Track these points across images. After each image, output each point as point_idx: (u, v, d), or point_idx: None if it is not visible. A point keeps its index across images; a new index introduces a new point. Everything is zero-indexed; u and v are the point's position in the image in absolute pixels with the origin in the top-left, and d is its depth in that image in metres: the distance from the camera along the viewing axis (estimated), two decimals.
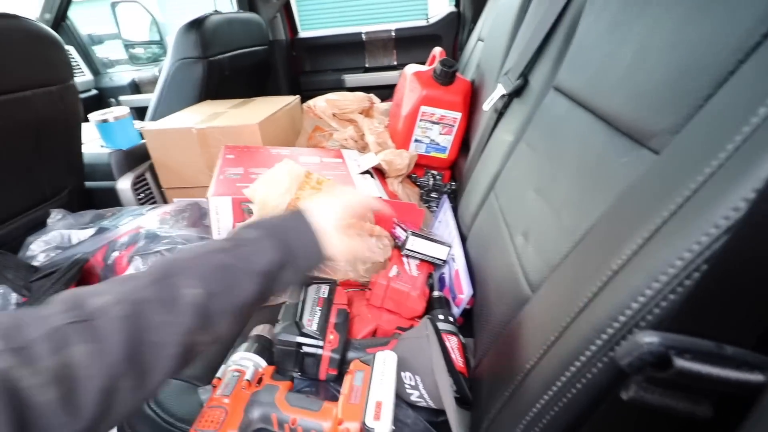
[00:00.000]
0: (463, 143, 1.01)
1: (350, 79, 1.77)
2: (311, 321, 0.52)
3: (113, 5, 2.00)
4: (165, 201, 1.13)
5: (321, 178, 0.67)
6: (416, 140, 1.00)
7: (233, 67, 1.42)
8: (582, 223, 0.36)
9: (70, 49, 1.90)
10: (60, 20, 1.86)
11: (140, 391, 0.30)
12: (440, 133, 0.99)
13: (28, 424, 0.25)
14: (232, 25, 1.43)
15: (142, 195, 1.07)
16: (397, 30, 1.69)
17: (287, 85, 1.82)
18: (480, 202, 0.66)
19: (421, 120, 0.97)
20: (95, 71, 2.11)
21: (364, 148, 1.02)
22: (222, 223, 0.75)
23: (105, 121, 1.02)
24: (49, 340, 0.27)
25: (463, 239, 0.71)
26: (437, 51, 1.04)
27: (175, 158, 1.05)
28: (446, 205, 0.82)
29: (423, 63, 1.22)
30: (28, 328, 0.27)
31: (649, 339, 0.21)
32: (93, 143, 1.09)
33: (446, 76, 0.94)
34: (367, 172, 0.89)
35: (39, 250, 0.81)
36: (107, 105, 2.05)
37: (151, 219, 0.83)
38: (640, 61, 0.36)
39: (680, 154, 0.27)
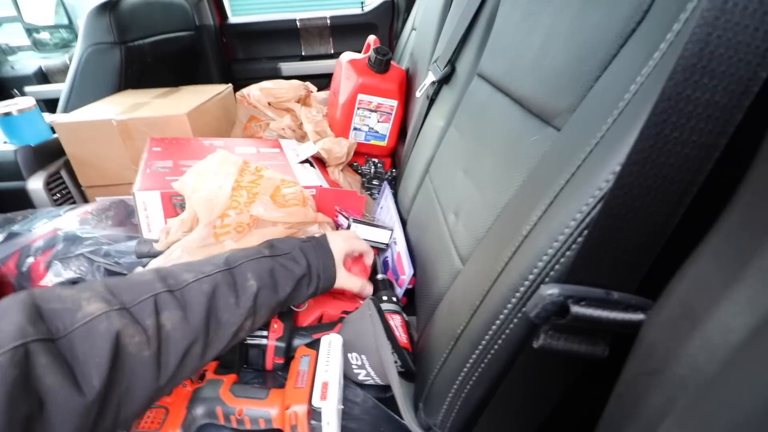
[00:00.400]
0: (402, 130, 1.03)
1: (286, 67, 1.72)
2: None
3: None
4: (86, 201, 1.03)
5: (259, 166, 0.65)
6: (355, 128, 1.00)
7: (156, 54, 1.32)
8: (502, 198, 0.39)
9: None
10: None
11: (202, 359, 0.37)
12: (378, 121, 1.00)
13: (135, 374, 0.31)
14: (151, 7, 1.32)
15: (58, 195, 0.97)
16: (332, 17, 1.67)
17: (219, 73, 1.73)
18: (417, 185, 0.69)
19: (358, 108, 0.97)
20: None
21: (302, 138, 1.00)
22: (152, 219, 0.70)
23: (8, 114, 0.90)
24: (150, 304, 0.33)
25: (404, 223, 0.74)
26: (371, 39, 1.05)
27: (94, 153, 0.96)
28: (387, 191, 0.84)
29: (360, 52, 1.22)
30: (131, 291, 0.33)
31: (550, 291, 0.25)
32: None
33: (381, 64, 0.95)
34: (306, 161, 0.89)
35: None
36: (9, 97, 1.81)
37: (69, 220, 0.76)
38: (546, 48, 0.40)
39: (575, 130, 0.31)
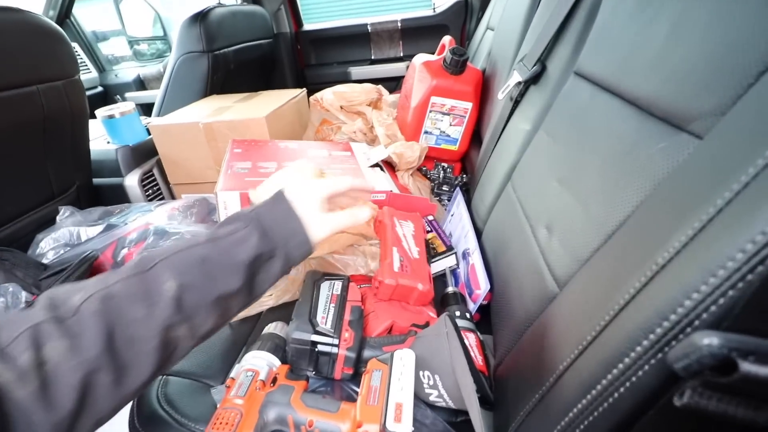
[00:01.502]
0: (474, 134, 0.99)
1: (356, 71, 1.74)
2: (325, 318, 0.50)
3: (117, 1, 1.99)
4: (173, 197, 1.12)
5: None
6: (426, 132, 0.97)
7: (238, 61, 1.40)
8: (613, 214, 0.33)
9: (75, 46, 1.89)
10: (64, 17, 1.85)
11: (122, 387, 0.31)
12: (451, 124, 0.96)
13: (8, 416, 0.26)
14: (236, 17, 1.41)
15: (150, 191, 1.07)
16: (403, 20, 1.66)
17: (293, 78, 1.80)
18: (496, 193, 0.64)
19: (431, 111, 0.94)
20: (100, 68, 2.10)
21: (373, 141, 1.00)
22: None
23: (111, 116, 1.01)
24: (26, 338, 0.28)
25: (478, 233, 0.69)
26: (447, 40, 1.01)
27: (182, 154, 1.03)
28: (459, 198, 0.80)
29: (431, 53, 1.19)
30: (9, 328, 0.29)
31: (708, 340, 0.19)
32: (100, 140, 1.08)
33: (457, 65, 0.91)
34: (377, 165, 0.87)
35: (48, 247, 0.80)
36: (113, 102, 2.05)
37: (159, 215, 0.82)
38: (675, 41, 0.34)
39: (730, 137, 0.25)
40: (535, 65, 0.60)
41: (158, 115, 1.34)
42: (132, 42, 2.25)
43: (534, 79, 0.61)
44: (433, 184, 0.98)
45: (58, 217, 0.86)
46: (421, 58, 1.00)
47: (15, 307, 0.65)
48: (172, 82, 1.29)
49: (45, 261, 0.78)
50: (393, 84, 1.72)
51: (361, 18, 1.76)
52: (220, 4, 1.37)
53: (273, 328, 0.53)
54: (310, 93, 1.20)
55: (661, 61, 0.35)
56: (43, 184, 0.85)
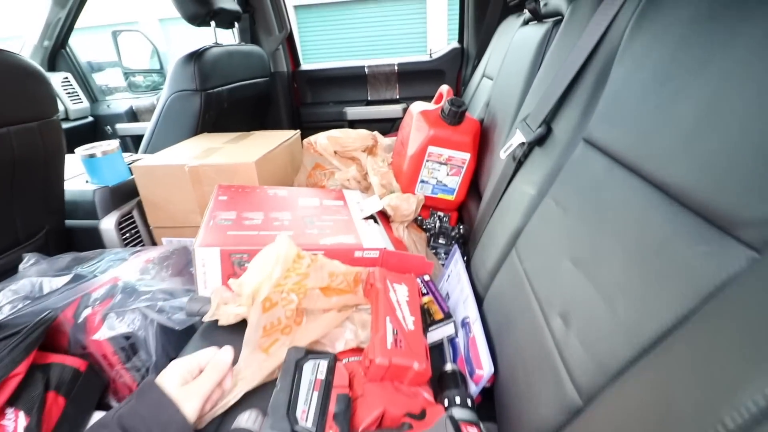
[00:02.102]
0: (472, 184, 0.95)
1: (352, 111, 1.73)
2: (306, 412, 0.44)
3: (114, 34, 1.99)
4: (153, 241, 1.05)
5: (314, 257, 0.60)
6: (422, 181, 0.94)
7: (233, 99, 1.38)
8: (648, 323, 0.28)
9: (68, 76, 1.87)
10: (59, 47, 1.84)
11: None
12: (448, 174, 0.93)
13: None
14: (232, 57, 1.40)
15: (128, 235, 1.00)
16: (400, 64, 1.68)
17: (288, 116, 1.78)
18: (498, 259, 0.59)
19: (428, 160, 0.91)
20: (93, 98, 2.08)
21: (367, 189, 0.96)
22: (209, 276, 0.67)
23: (92, 156, 0.95)
24: None
25: (479, 298, 0.64)
26: (444, 89, 1.00)
27: (165, 196, 0.98)
28: (457, 257, 0.75)
29: (426, 97, 1.18)
30: None
31: None
32: (78, 179, 1.02)
33: (455, 116, 0.89)
34: (371, 216, 0.83)
35: (6, 300, 0.72)
36: (103, 133, 2.01)
37: (131, 268, 0.75)
38: (710, 126, 0.30)
39: None
40: (539, 127, 0.57)
41: (146, 151, 1.30)
42: (127, 73, 2.24)
43: (539, 141, 0.58)
44: (429, 235, 0.93)
45: (21, 266, 0.79)
46: (418, 106, 0.98)
47: None
48: (162, 118, 1.25)
49: (0, 316, 0.70)
50: (389, 125, 1.71)
51: (359, 60, 1.77)
52: (216, 44, 1.36)
53: (245, 420, 0.46)
54: (304, 131, 1.17)
55: (693, 146, 0.31)
56: (7, 230, 0.78)
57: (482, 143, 0.92)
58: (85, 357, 0.67)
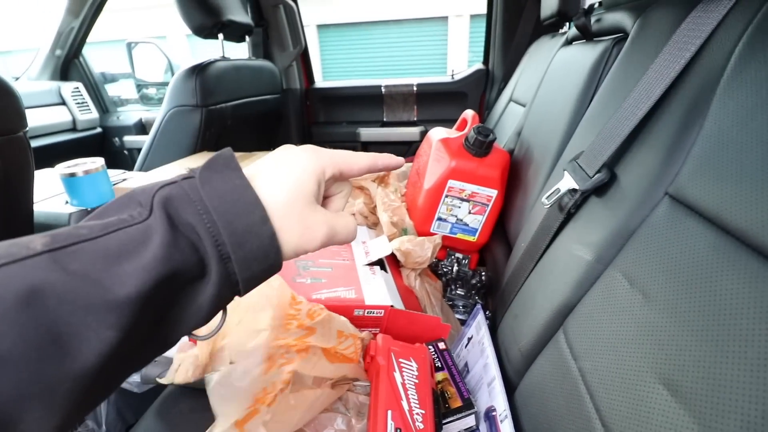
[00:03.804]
0: (497, 224, 0.82)
1: (366, 132, 1.63)
2: None
3: (129, 45, 1.96)
4: None
5: (313, 307, 0.47)
6: (440, 218, 0.81)
7: (238, 116, 1.29)
8: None
9: (79, 86, 1.83)
10: (72, 57, 1.81)
11: None
12: (470, 212, 0.80)
13: None
14: (240, 72, 1.32)
15: None
16: (419, 85, 1.57)
17: (298, 135, 1.69)
18: (537, 339, 0.46)
19: (447, 196, 0.78)
20: (104, 109, 2.04)
21: (375, 225, 0.83)
22: None
23: (72, 174, 0.86)
24: None
25: (509, 384, 0.50)
26: (469, 115, 0.88)
27: None
28: (480, 320, 0.61)
29: (446, 121, 1.06)
30: None
31: None
32: (57, 199, 0.92)
33: (481, 146, 0.77)
34: (377, 261, 0.70)
35: None
36: (111, 144, 1.95)
37: None
38: None
39: None
40: (599, 172, 0.44)
41: (141, 168, 1.21)
42: (141, 86, 2.21)
43: (597, 190, 0.45)
44: (445, 280, 0.79)
45: None
46: (438, 132, 0.86)
47: None
48: (159, 135, 1.16)
49: None
50: (403, 148, 1.60)
51: (375, 79, 1.68)
52: (223, 58, 1.28)
53: None
54: None
55: None
56: None
57: (512, 179, 0.79)
58: None
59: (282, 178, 0.24)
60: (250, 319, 0.43)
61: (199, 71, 1.12)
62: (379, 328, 0.59)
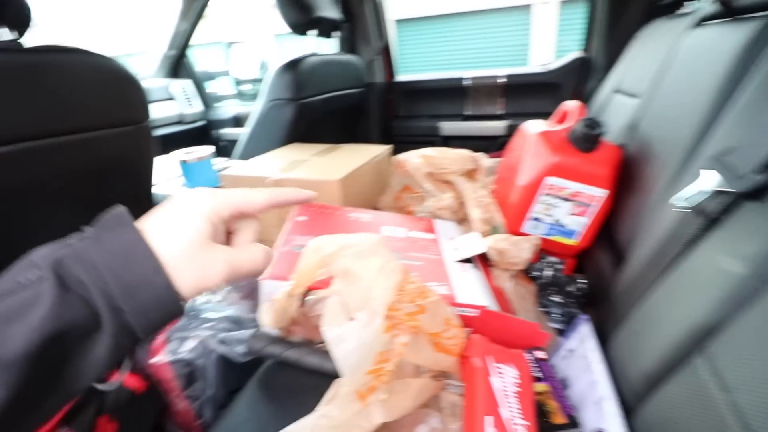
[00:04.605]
0: (603, 229, 0.74)
1: (447, 126, 1.59)
2: None
3: (228, 45, 2.14)
4: None
5: (424, 287, 0.46)
6: (535, 218, 0.76)
7: (325, 110, 1.34)
8: None
9: (189, 83, 2.04)
10: (181, 57, 2.02)
11: None
12: (570, 213, 0.74)
13: None
14: (329, 66, 1.36)
15: None
16: (509, 76, 1.49)
17: (379, 128, 1.71)
18: (665, 361, 0.40)
19: (546, 194, 0.73)
20: (207, 104, 2.25)
21: (462, 221, 0.80)
22: None
23: (185, 161, 0.96)
24: None
25: (625, 406, 0.45)
26: (572, 106, 0.81)
27: None
28: (584, 331, 0.56)
29: (535, 114, 1.00)
30: None
31: None
32: (175, 181, 1.04)
33: (589, 140, 0.70)
34: (467, 259, 0.68)
35: None
36: (211, 136, 2.15)
37: None
38: None
39: None
40: (761, 173, 0.37)
41: (240, 157, 1.31)
42: (238, 82, 2.40)
43: (754, 193, 0.37)
44: (538, 284, 0.74)
45: None
46: (535, 125, 0.80)
47: None
48: (256, 127, 1.25)
49: None
50: (487, 143, 1.53)
51: (458, 71, 1.63)
52: (314, 54, 1.33)
53: None
54: (395, 145, 1.06)
55: None
56: None
57: (625, 178, 0.71)
58: (146, 377, 0.62)
59: (174, 225, 0.25)
60: (365, 286, 0.43)
61: (294, 66, 1.17)
62: (470, 329, 0.57)
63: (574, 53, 1.44)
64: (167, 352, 0.61)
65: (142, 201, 0.88)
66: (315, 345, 0.56)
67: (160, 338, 0.62)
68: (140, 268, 0.23)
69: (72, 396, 0.23)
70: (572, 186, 0.71)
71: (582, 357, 0.54)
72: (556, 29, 6.22)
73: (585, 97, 1.39)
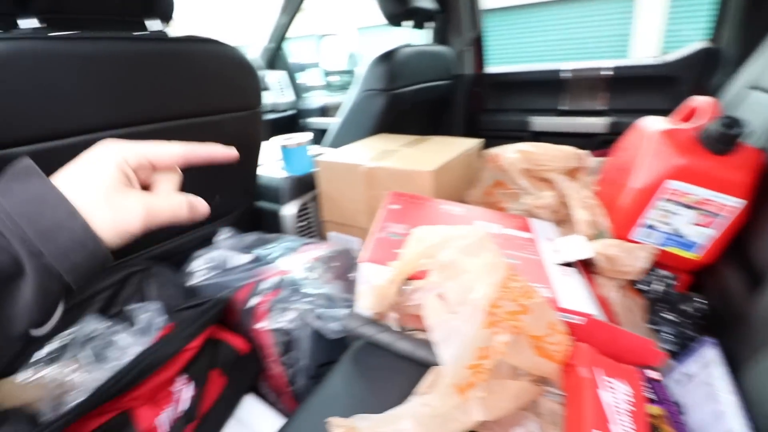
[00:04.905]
0: (734, 245, 0.65)
1: (539, 121, 1.51)
2: None
3: (319, 38, 2.23)
4: (320, 233, 1.08)
5: (529, 287, 0.45)
6: (648, 226, 0.69)
7: (414, 101, 1.34)
8: None
9: (283, 74, 2.18)
10: (277, 49, 2.16)
11: None
12: (693, 223, 0.66)
13: None
14: (421, 57, 1.36)
15: (303, 224, 1.05)
16: (616, 68, 1.36)
17: (463, 122, 1.67)
18: None
19: (665, 199, 0.66)
20: (297, 94, 2.39)
21: (561, 222, 0.76)
22: None
23: (286, 146, 1.02)
24: None
25: None
26: (703, 102, 0.71)
27: (339, 193, 0.98)
28: (712, 358, 0.49)
29: (648, 111, 0.91)
30: None
31: None
32: (274, 165, 1.12)
33: (725, 141, 0.61)
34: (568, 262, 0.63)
35: (199, 267, 0.81)
36: (299, 125, 2.28)
37: (300, 262, 0.75)
38: None
39: None
40: None
41: (331, 145, 1.36)
42: (327, 74, 2.51)
43: None
44: (649, 299, 0.67)
45: (215, 238, 0.88)
46: (656, 122, 0.72)
47: (146, 333, 0.63)
48: (348, 116, 1.30)
49: (193, 281, 0.78)
50: (582, 141, 1.43)
51: (554, 63, 1.53)
52: (407, 45, 1.34)
53: None
54: (482, 140, 1.03)
55: None
56: (210, 205, 0.88)
57: (764, 188, 0.61)
58: (249, 340, 0.68)
59: (84, 173, 0.26)
60: (468, 279, 0.43)
61: (388, 57, 1.19)
62: (574, 338, 0.53)
63: (697, 43, 1.27)
64: (269, 320, 0.67)
65: (248, 180, 0.97)
66: (407, 331, 0.56)
67: (264, 306, 0.68)
68: (54, 213, 0.24)
69: (10, 341, 0.24)
70: (699, 192, 0.63)
71: (705, 384, 0.48)
72: (665, 18, 5.54)
73: (709, 92, 1.22)
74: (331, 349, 0.68)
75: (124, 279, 0.71)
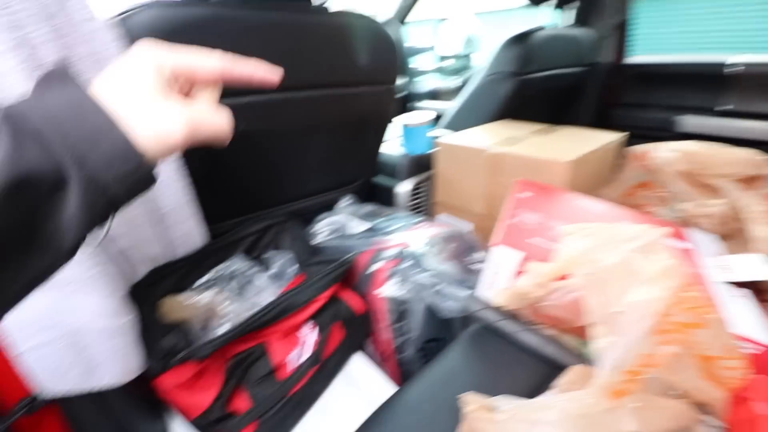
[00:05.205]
0: None
1: (690, 122, 1.30)
2: None
3: (437, 22, 2.20)
4: (432, 214, 1.08)
5: (706, 301, 0.39)
6: None
7: (543, 88, 1.26)
8: None
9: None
10: (397, 29, 2.18)
11: None
12: None
13: None
14: (555, 41, 1.26)
15: (415, 202, 1.06)
16: None
17: (591, 115, 1.52)
18: None
19: None
20: (410, 77, 2.40)
21: (729, 237, 0.65)
22: (500, 277, 0.58)
23: (409, 125, 1.04)
24: None
25: None
26: None
27: (456, 176, 0.97)
28: None
29: None
30: None
31: None
32: (393, 142, 1.14)
33: None
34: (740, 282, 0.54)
35: (321, 229, 0.87)
36: (407, 108, 2.30)
37: (419, 238, 0.76)
38: None
39: None
40: None
41: (448, 127, 1.35)
42: (441, 58, 2.48)
43: None
44: None
45: (338, 204, 0.93)
46: None
47: (279, 278, 0.70)
48: (469, 99, 1.26)
49: (315, 241, 0.84)
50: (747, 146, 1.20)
51: (715, 55, 1.30)
52: (542, 27, 1.25)
53: None
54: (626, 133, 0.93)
55: None
56: (338, 172, 0.94)
57: None
58: (366, 303, 0.72)
59: (121, 78, 0.24)
60: (638, 281, 0.39)
61: (521, 40, 1.13)
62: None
63: None
64: (387, 288, 0.69)
65: (373, 153, 1.00)
66: (533, 325, 0.54)
67: (384, 273, 0.70)
68: (95, 118, 0.22)
69: (58, 258, 0.22)
70: None
71: None
72: None
73: None
74: (440, 327, 0.68)
75: (265, 229, 0.79)
